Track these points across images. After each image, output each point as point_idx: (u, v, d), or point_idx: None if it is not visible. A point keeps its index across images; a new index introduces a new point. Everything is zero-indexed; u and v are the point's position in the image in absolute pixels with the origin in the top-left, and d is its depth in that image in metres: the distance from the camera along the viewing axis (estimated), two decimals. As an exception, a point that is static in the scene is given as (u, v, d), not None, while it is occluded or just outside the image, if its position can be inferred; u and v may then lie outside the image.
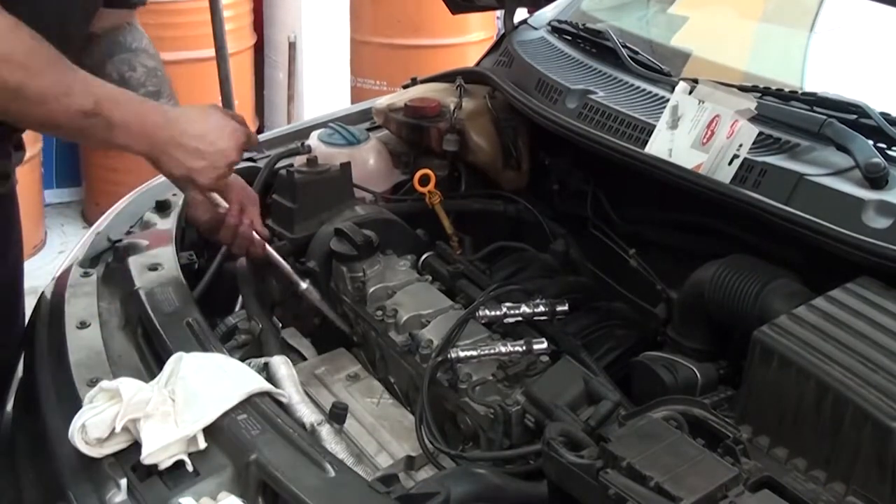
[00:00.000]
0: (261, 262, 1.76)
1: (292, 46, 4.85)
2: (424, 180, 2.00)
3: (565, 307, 1.62)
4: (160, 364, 1.39)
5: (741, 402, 1.30)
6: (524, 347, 1.50)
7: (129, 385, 1.29)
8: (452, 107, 2.12)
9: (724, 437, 1.15)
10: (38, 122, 1.48)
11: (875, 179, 1.47)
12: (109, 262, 1.77)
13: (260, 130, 4.81)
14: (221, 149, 1.53)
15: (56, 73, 1.40)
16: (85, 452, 1.27)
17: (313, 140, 2.11)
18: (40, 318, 1.69)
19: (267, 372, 1.48)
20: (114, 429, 1.26)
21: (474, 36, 4.91)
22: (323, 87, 4.90)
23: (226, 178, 1.58)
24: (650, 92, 1.89)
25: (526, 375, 1.48)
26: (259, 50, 4.96)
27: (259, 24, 4.94)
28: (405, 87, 2.39)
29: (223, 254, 1.87)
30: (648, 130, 1.75)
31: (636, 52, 2.04)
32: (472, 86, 2.21)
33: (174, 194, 1.93)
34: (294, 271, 1.75)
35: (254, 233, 1.73)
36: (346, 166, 1.95)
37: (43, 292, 1.78)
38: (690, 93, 1.71)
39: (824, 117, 1.60)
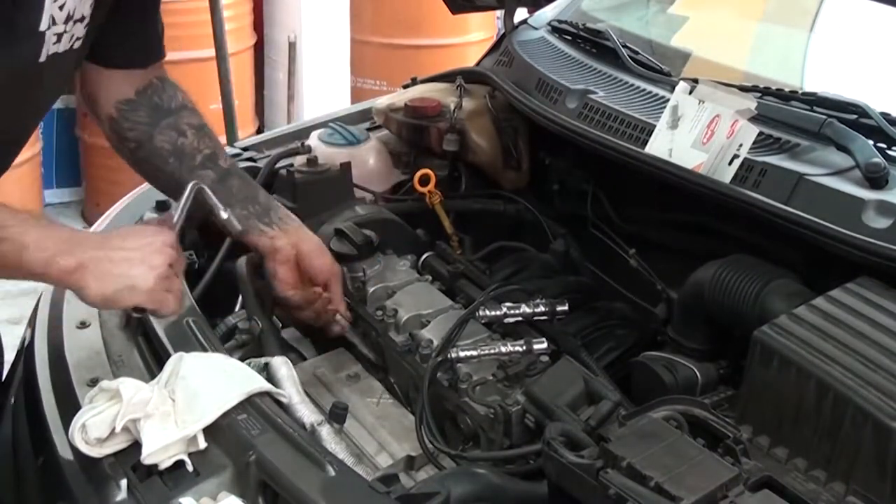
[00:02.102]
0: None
1: (292, 46, 4.85)
2: (424, 180, 2.00)
3: (565, 307, 1.62)
4: (160, 364, 1.39)
5: (741, 402, 1.30)
6: (524, 347, 1.50)
7: (129, 385, 1.29)
8: (452, 107, 2.12)
9: (724, 437, 1.15)
10: None
11: (875, 179, 1.47)
12: (109, 262, 1.76)
13: (260, 130, 4.81)
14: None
15: None
16: (85, 452, 1.27)
17: (313, 140, 2.11)
18: (40, 318, 1.69)
19: (267, 372, 1.48)
20: (114, 429, 1.26)
21: (474, 36, 4.91)
22: (323, 87, 4.90)
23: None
24: (650, 92, 1.89)
25: (526, 375, 1.48)
26: (259, 50, 4.96)
27: (259, 24, 4.94)
28: (405, 87, 2.39)
29: (223, 254, 1.87)
30: (648, 130, 1.75)
31: (636, 52, 2.04)
32: (472, 86, 2.20)
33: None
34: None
35: (338, 313, 1.69)
36: (346, 166, 1.95)
37: (43, 292, 1.77)
38: (690, 93, 1.71)
39: (824, 117, 1.60)
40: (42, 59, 1.40)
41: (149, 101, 1.65)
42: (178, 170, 1.64)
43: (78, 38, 1.45)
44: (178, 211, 1.47)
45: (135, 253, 1.38)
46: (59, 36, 1.41)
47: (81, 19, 1.43)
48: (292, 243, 1.66)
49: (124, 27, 1.58)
